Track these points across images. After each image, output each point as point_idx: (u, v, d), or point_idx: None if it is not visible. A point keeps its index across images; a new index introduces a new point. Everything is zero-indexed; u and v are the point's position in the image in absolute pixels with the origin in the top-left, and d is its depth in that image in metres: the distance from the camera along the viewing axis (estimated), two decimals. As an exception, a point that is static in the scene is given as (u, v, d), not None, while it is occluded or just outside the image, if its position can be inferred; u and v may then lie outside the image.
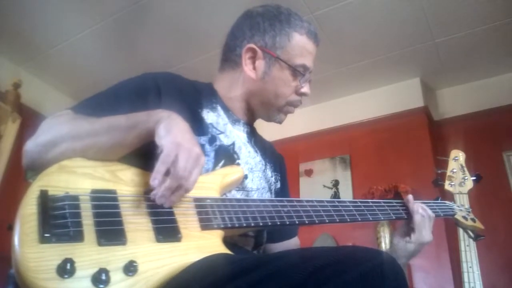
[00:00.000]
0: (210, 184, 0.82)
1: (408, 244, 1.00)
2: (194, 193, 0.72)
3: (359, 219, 0.92)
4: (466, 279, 1.22)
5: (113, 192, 0.68)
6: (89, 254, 0.57)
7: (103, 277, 0.55)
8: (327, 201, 0.91)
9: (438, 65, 2.94)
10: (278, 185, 1.07)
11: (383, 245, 2.62)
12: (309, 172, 3.22)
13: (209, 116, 0.95)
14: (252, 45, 0.97)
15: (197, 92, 0.98)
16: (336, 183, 3.08)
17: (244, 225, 0.77)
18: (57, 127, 0.75)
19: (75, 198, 0.64)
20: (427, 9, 2.42)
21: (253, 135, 1.05)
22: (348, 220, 0.90)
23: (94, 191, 0.67)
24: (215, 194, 0.81)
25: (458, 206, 1.21)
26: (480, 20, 2.48)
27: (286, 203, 0.85)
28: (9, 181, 2.65)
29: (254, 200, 0.84)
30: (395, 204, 1.04)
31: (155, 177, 0.65)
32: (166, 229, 0.67)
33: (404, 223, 1.05)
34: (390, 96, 3.17)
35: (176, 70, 1.17)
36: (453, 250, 2.43)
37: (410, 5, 2.39)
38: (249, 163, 0.97)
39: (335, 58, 2.89)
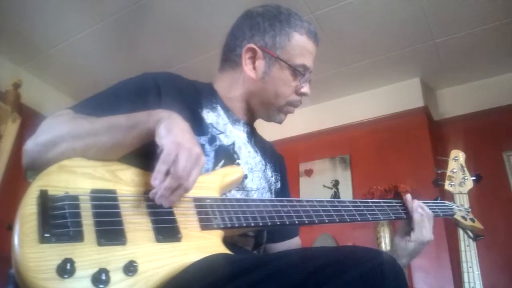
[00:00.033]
0: (210, 184, 0.82)
1: (409, 243, 1.00)
2: (194, 193, 0.73)
3: (359, 219, 0.93)
4: (466, 279, 1.22)
5: (113, 192, 0.68)
6: (89, 254, 0.57)
7: (103, 277, 0.55)
8: (327, 201, 0.91)
9: (438, 65, 2.94)
10: (278, 185, 1.07)
11: (383, 245, 2.61)
12: (309, 172, 3.22)
13: (209, 116, 0.95)
14: (252, 45, 0.97)
15: (197, 92, 0.98)
16: (336, 183, 3.08)
17: (244, 225, 0.77)
18: (57, 127, 0.75)
19: (75, 198, 0.64)
20: (427, 9, 2.42)
21: (253, 135, 1.05)
22: (348, 220, 0.90)
23: (94, 191, 0.67)
24: (215, 194, 0.81)
25: (458, 206, 1.21)
26: (480, 20, 2.48)
27: (286, 203, 0.85)
28: (9, 181, 2.66)
29: (254, 200, 0.84)
30: (394, 204, 1.04)
31: (156, 177, 0.66)
32: (166, 229, 0.67)
33: (405, 223, 1.05)
34: (390, 96, 3.17)
35: (176, 70, 1.17)
36: (453, 250, 2.43)
37: (410, 5, 2.39)
38: (249, 163, 0.97)
39: (335, 58, 2.89)
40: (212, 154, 0.89)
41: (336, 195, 3.03)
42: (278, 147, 1.19)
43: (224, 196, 0.85)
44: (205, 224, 0.73)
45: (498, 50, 2.74)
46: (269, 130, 1.33)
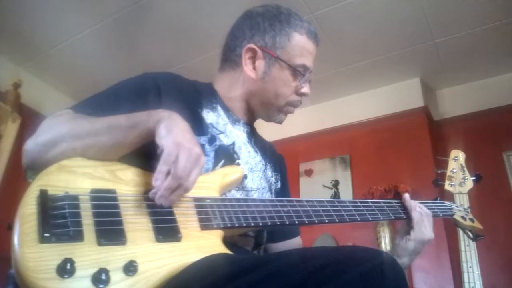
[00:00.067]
0: (210, 184, 0.82)
1: (408, 242, 1.00)
2: (194, 193, 0.72)
3: (359, 219, 0.93)
4: (466, 279, 1.22)
5: (113, 191, 0.68)
6: (89, 254, 0.57)
7: (103, 277, 0.55)
8: (327, 201, 0.91)
9: (438, 65, 2.94)
10: (279, 185, 1.07)
11: (383, 245, 2.62)
12: (309, 172, 3.22)
13: (209, 116, 0.95)
14: (252, 45, 0.97)
15: (197, 92, 0.98)
16: (336, 183, 3.08)
17: (244, 225, 0.77)
18: (57, 127, 0.75)
19: (75, 197, 0.64)
20: (427, 9, 2.42)
21: (253, 135, 1.05)
22: (348, 220, 0.90)
23: (94, 191, 0.67)
24: (215, 194, 0.81)
25: (457, 206, 1.21)
26: (480, 20, 2.48)
27: (286, 203, 0.85)
28: (9, 181, 2.66)
29: (254, 200, 0.84)
30: (394, 204, 1.04)
31: (158, 178, 0.66)
32: (166, 229, 0.67)
33: (404, 223, 1.05)
34: (390, 96, 3.17)
35: (176, 70, 1.17)
36: (453, 250, 2.43)
37: (410, 5, 2.39)
38: (249, 163, 0.97)
39: (335, 58, 2.89)
40: (212, 154, 0.89)
41: (336, 195, 3.03)
42: (278, 147, 1.19)
43: (224, 196, 0.85)
44: (205, 224, 0.73)
45: (498, 50, 2.75)
46: (269, 130, 1.33)
